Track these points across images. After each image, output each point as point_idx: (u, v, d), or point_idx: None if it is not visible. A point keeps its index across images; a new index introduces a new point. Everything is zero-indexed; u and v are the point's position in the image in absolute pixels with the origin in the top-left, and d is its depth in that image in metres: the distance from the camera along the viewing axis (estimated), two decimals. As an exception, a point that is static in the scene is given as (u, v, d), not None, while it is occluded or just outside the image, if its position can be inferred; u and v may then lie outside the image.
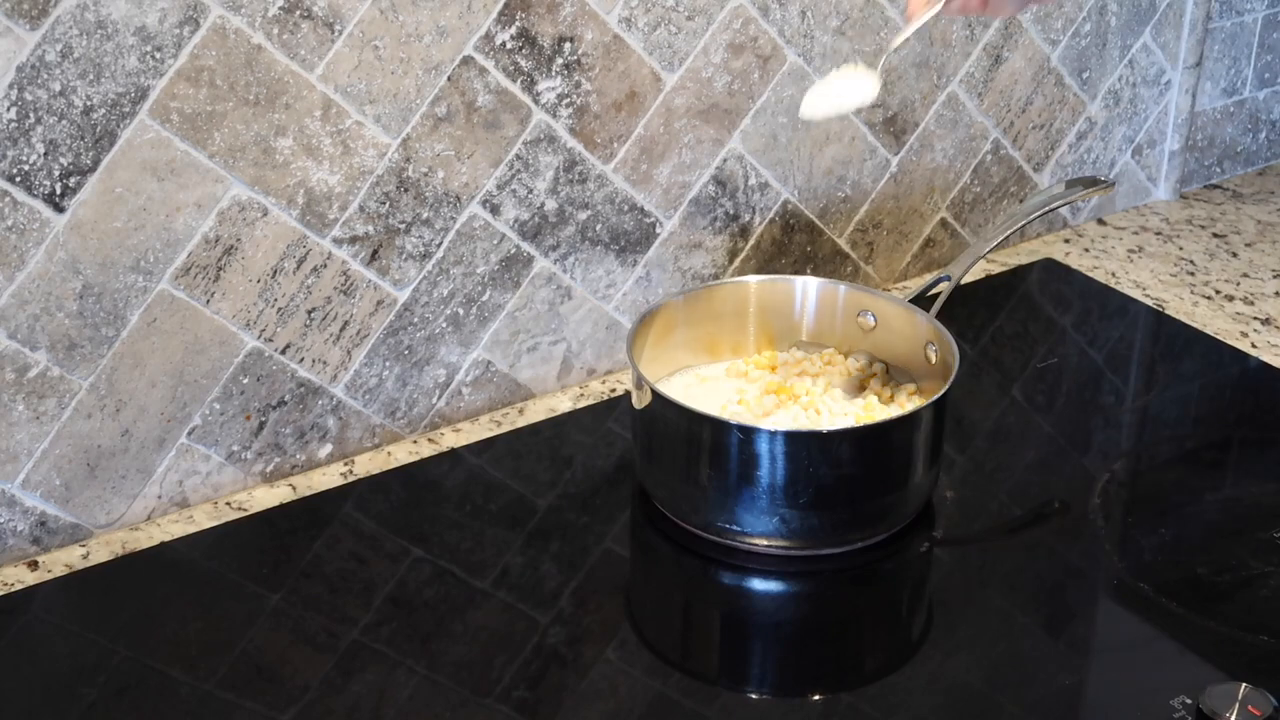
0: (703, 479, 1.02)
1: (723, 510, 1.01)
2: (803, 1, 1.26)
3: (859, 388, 1.13)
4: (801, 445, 0.99)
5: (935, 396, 1.02)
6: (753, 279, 1.19)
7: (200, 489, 1.10)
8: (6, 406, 0.99)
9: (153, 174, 0.99)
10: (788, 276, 1.20)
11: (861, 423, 1.06)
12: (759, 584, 1.05)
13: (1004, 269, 1.48)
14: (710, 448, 1.01)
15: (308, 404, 1.13)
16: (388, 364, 1.16)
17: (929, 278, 1.47)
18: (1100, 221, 1.59)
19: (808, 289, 1.18)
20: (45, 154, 0.95)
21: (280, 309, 1.09)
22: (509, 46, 1.12)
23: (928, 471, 1.04)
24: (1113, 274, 1.47)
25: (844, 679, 0.96)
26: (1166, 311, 1.40)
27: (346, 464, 1.16)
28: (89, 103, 0.96)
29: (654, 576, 1.08)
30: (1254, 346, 1.33)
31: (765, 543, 1.02)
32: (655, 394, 1.02)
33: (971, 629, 0.99)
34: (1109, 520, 1.10)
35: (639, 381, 1.04)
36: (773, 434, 0.99)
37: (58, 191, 0.96)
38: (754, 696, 0.97)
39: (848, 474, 1.00)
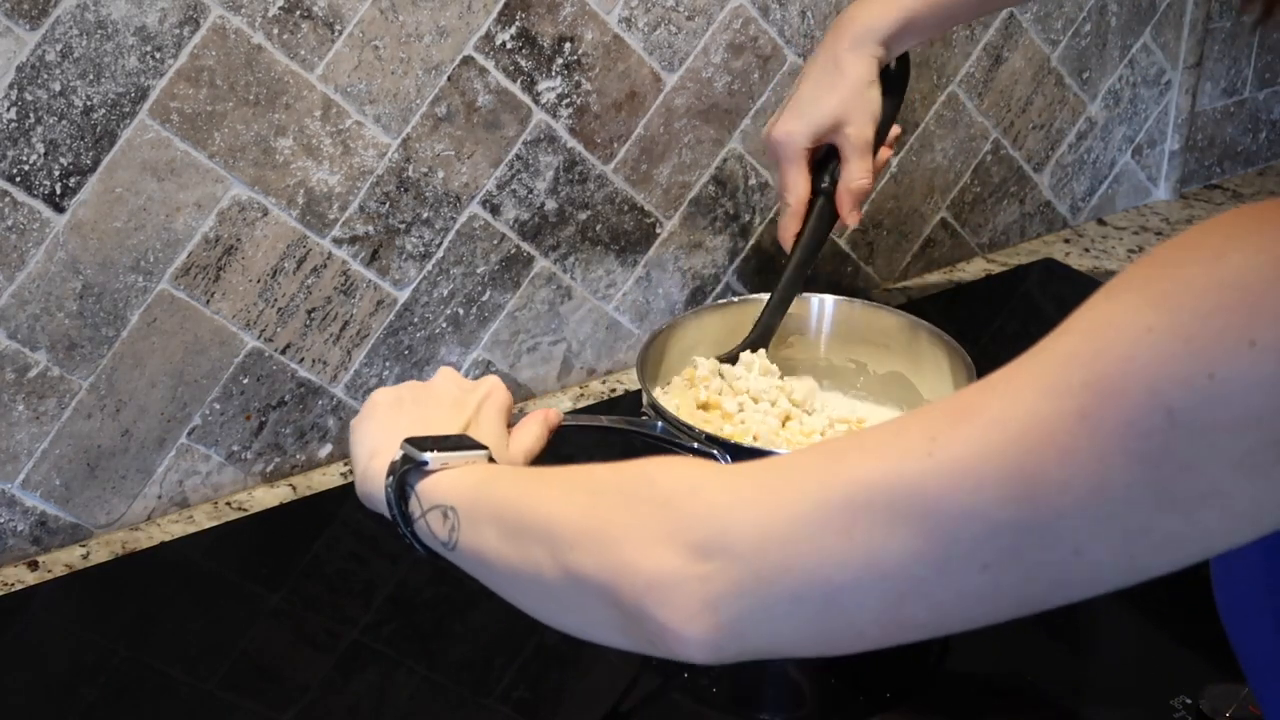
0: None
1: None
2: (803, 1, 1.26)
3: (783, 419, 1.06)
4: None
5: None
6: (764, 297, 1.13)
7: (200, 489, 1.10)
8: (6, 406, 0.99)
9: (153, 174, 0.99)
10: (804, 295, 1.14)
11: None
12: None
13: (1004, 269, 1.48)
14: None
15: (308, 404, 1.13)
16: (388, 364, 1.16)
17: (929, 278, 1.47)
18: (1100, 221, 1.59)
19: (824, 306, 1.15)
20: (45, 154, 0.95)
21: (280, 309, 1.09)
22: (509, 46, 1.11)
23: None
24: (1113, 274, 1.47)
25: (843, 676, 0.96)
26: (1166, 311, 1.39)
27: (346, 464, 1.16)
28: (89, 103, 0.96)
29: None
30: (1254, 346, 1.33)
31: None
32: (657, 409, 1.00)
33: (971, 629, 0.99)
34: (1109, 520, 1.10)
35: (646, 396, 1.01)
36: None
37: (58, 191, 0.96)
38: (754, 695, 0.96)
39: None
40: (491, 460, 0.76)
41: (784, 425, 1.04)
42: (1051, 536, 0.51)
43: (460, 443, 0.77)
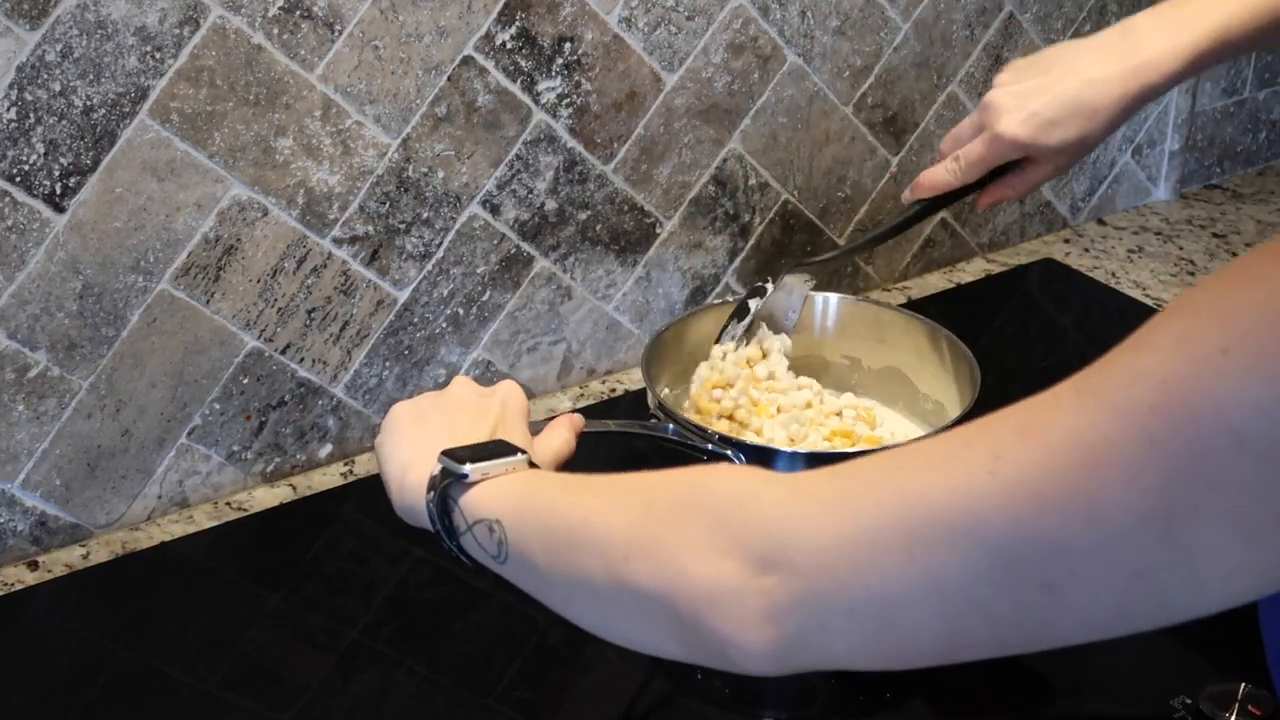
0: None
1: None
2: (803, 1, 1.26)
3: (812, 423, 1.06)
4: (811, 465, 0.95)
5: (954, 419, 1.00)
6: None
7: (200, 489, 1.10)
8: (6, 406, 0.99)
9: (153, 174, 0.99)
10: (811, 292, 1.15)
11: (878, 445, 1.02)
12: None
13: (1004, 269, 1.48)
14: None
15: (308, 404, 1.13)
16: (388, 364, 1.16)
17: (929, 278, 1.47)
18: (1100, 221, 1.59)
19: (829, 303, 1.15)
20: (45, 154, 0.95)
21: (280, 309, 1.09)
22: (509, 46, 1.12)
23: None
24: (1113, 274, 1.47)
25: (843, 676, 0.96)
26: (1166, 311, 1.39)
27: (346, 464, 1.16)
28: (89, 103, 0.96)
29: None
30: (1254, 346, 1.33)
31: None
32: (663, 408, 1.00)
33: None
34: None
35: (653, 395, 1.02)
36: (792, 455, 0.95)
37: (58, 191, 0.96)
38: (755, 695, 0.96)
39: None
40: (532, 465, 0.74)
41: (807, 406, 1.05)
42: (1115, 558, 0.49)
43: (497, 450, 0.74)
